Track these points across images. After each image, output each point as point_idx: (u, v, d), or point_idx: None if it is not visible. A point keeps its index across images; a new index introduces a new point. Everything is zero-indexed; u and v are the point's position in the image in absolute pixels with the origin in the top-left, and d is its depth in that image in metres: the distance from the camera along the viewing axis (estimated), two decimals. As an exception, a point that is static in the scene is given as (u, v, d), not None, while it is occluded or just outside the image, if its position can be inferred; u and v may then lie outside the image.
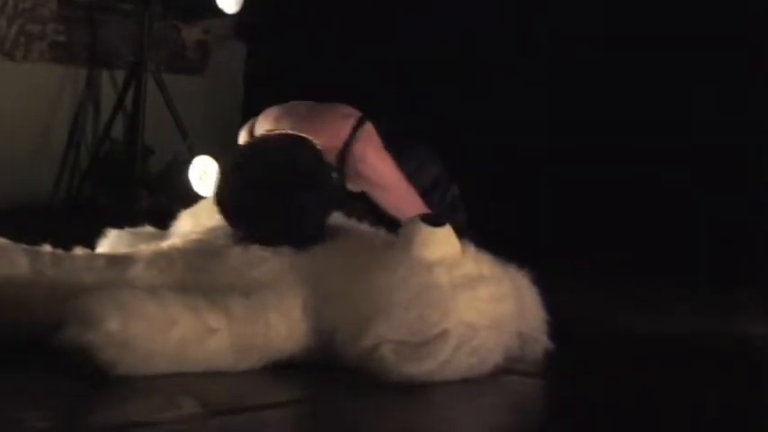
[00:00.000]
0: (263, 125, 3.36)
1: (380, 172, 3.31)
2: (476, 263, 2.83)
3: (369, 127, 3.32)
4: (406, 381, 2.67)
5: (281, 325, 2.76)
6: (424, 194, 3.40)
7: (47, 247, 2.91)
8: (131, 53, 5.51)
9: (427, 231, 2.81)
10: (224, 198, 3.02)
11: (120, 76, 5.58)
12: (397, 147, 3.38)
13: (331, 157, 3.17)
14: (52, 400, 2.46)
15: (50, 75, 5.53)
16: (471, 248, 2.86)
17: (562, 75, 5.07)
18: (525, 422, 2.65)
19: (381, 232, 3.03)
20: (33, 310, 2.76)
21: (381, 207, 3.33)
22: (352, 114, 3.35)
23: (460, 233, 2.89)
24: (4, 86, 5.37)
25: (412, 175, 3.38)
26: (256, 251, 2.89)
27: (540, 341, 2.97)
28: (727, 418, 2.65)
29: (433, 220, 2.84)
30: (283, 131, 3.18)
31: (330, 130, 3.27)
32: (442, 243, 2.81)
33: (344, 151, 3.27)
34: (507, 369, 2.82)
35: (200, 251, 2.94)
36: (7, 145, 5.33)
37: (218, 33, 6.09)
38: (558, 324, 3.01)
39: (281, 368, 2.76)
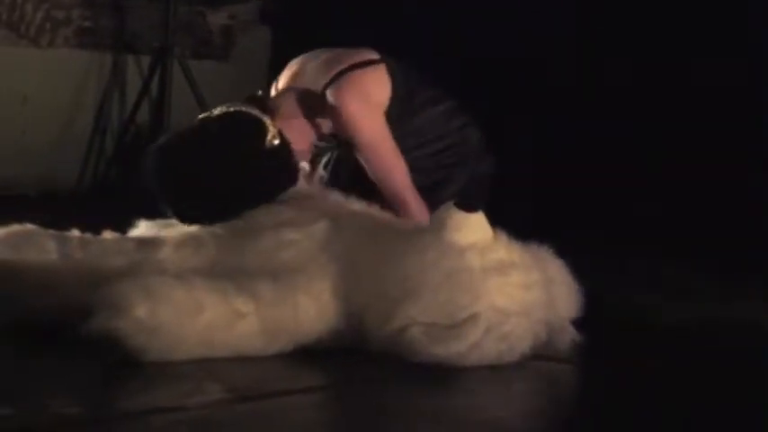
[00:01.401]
0: (280, 80, 3.32)
1: (359, 125, 3.15)
2: (507, 250, 2.82)
3: (358, 73, 3.18)
4: (435, 362, 2.67)
5: (311, 307, 2.76)
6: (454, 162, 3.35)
7: (75, 232, 2.92)
8: (157, 39, 5.51)
9: (460, 216, 2.81)
10: (147, 180, 3.02)
11: (146, 61, 5.59)
12: (431, 99, 3.32)
13: (318, 106, 3.12)
14: (79, 385, 2.46)
15: (76, 61, 5.54)
16: (503, 235, 2.85)
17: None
18: (555, 408, 2.64)
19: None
20: (62, 294, 2.76)
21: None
22: (353, 59, 3.21)
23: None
24: (30, 73, 5.39)
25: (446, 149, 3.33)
26: (288, 233, 2.89)
27: (569, 331, 2.95)
28: (757, 409, 2.63)
29: (467, 206, 2.84)
30: (227, 109, 3.06)
31: (318, 76, 3.18)
32: (474, 228, 2.81)
33: (324, 96, 3.15)
34: (536, 355, 2.81)
35: (231, 233, 2.94)
36: (33, 131, 5.35)
37: (244, 18, 6.08)
38: (587, 310, 2.99)
39: (308, 353, 2.76)
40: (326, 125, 3.24)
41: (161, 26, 5.49)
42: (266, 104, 3.13)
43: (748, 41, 4.70)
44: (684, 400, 2.65)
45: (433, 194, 3.28)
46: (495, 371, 2.72)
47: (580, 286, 2.97)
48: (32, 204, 4.86)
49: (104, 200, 5.28)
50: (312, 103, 3.19)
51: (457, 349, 2.69)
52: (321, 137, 3.27)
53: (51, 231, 2.90)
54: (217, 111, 3.08)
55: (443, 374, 2.67)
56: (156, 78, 5.43)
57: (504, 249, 2.82)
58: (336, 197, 3.12)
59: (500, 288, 2.75)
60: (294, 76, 3.29)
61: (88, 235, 2.93)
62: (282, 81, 3.34)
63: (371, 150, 3.21)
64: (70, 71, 5.52)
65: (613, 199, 4.85)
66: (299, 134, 3.14)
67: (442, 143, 3.36)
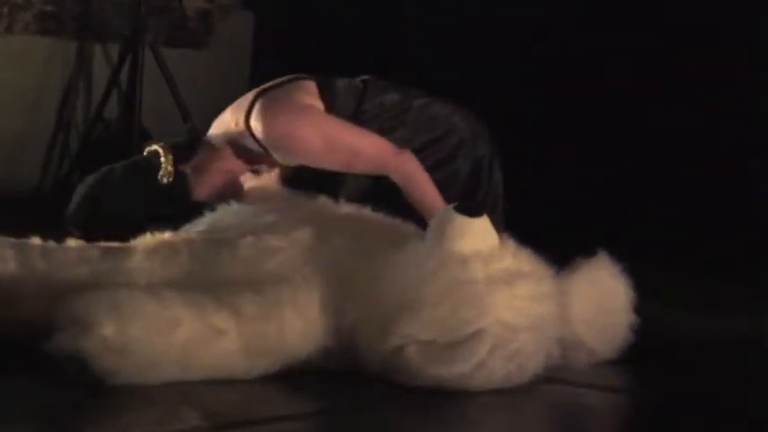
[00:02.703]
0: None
1: (302, 141, 3.23)
2: (515, 258, 2.82)
3: (274, 95, 3.29)
4: (435, 386, 2.67)
5: (297, 322, 2.76)
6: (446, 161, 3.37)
7: (35, 240, 2.92)
8: (127, 25, 5.51)
9: (462, 221, 2.80)
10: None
11: (115, 50, 5.59)
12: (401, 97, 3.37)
13: (252, 146, 3.28)
14: (42, 410, 2.45)
15: (37, 49, 5.54)
16: (510, 242, 2.86)
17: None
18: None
19: (410, 225, 3.03)
20: (22, 308, 2.77)
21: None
22: (266, 85, 3.35)
23: (498, 225, 2.88)
24: (-14, 62, 5.39)
25: (437, 140, 3.36)
26: (270, 240, 2.90)
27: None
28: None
29: (469, 210, 2.83)
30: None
31: (236, 113, 3.34)
32: (478, 234, 2.80)
33: (251, 133, 3.28)
34: (548, 377, 2.81)
35: (207, 241, 2.95)
36: (-10, 127, 5.35)
37: (224, 2, 6.09)
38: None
39: (294, 376, 2.75)
40: (256, 160, 3.37)
41: (131, 10, 5.48)
42: (181, 149, 3.39)
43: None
44: (714, 426, 2.64)
45: (442, 189, 3.28)
46: (502, 395, 2.72)
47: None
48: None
49: (68, 203, 5.27)
50: (234, 145, 3.35)
51: (460, 370, 2.68)
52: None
53: (9, 239, 2.89)
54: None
55: (443, 400, 2.66)
56: (125, 68, 5.43)
57: (510, 257, 2.82)
58: (323, 200, 3.13)
59: (507, 301, 2.74)
60: (217, 123, 3.44)
61: (50, 242, 2.93)
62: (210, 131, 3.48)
63: (329, 153, 3.25)
64: (31, 60, 5.52)
65: (632, 210, 4.92)
66: (206, 176, 3.35)
67: (427, 136, 3.37)
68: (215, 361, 2.68)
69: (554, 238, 3.02)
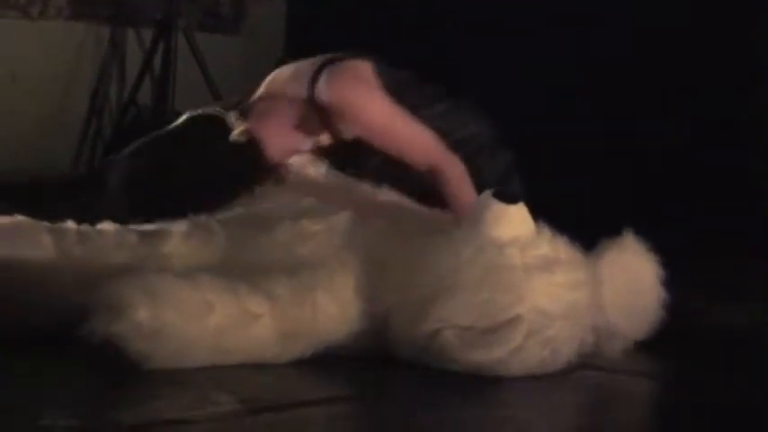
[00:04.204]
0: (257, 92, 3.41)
1: (365, 110, 3.22)
2: (552, 245, 2.83)
3: (342, 66, 3.27)
4: (470, 371, 2.67)
5: (331, 306, 2.77)
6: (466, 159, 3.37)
7: (71, 224, 2.93)
8: (160, 10, 5.53)
9: (499, 208, 2.81)
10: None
11: (148, 35, 5.61)
12: (427, 98, 3.36)
13: (308, 112, 3.19)
14: (76, 394, 2.48)
15: (70, 34, 5.57)
16: (546, 229, 2.86)
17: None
18: (606, 424, 2.62)
19: (447, 213, 3.05)
20: (60, 294, 2.78)
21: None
22: (331, 56, 3.31)
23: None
24: (20, 47, 5.41)
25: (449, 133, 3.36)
26: (307, 225, 2.90)
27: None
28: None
29: (507, 197, 2.83)
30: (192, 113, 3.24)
31: (299, 78, 3.28)
32: (515, 222, 2.81)
33: (312, 99, 3.23)
34: (583, 363, 2.82)
35: (244, 224, 2.96)
36: (23, 112, 5.38)
37: (256, -12, 6.10)
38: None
39: (328, 361, 2.77)
40: (313, 130, 3.29)
41: (165, -5, 5.50)
42: (239, 106, 3.28)
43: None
44: (748, 412, 2.64)
45: None
46: (537, 381, 2.73)
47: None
48: (21, 193, 4.86)
49: (100, 189, 5.29)
50: (294, 110, 3.27)
51: (496, 355, 2.69)
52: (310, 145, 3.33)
53: (46, 224, 2.91)
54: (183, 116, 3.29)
55: (478, 385, 2.67)
56: (158, 54, 5.44)
57: (547, 244, 2.82)
58: (362, 186, 3.14)
59: (544, 288, 2.75)
60: (270, 84, 3.39)
61: (86, 227, 2.94)
62: (259, 90, 3.42)
63: (388, 134, 3.24)
64: (64, 45, 5.55)
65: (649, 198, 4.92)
66: (277, 137, 3.23)
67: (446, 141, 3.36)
68: (248, 345, 2.69)
69: (577, 225, 3.01)
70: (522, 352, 2.71)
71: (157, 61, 5.46)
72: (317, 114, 3.26)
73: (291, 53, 6.02)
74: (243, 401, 2.46)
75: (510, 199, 2.83)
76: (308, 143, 3.30)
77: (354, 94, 3.23)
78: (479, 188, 3.24)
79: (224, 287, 2.69)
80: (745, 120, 4.82)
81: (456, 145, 3.36)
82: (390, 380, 2.71)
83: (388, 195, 3.11)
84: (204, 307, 2.64)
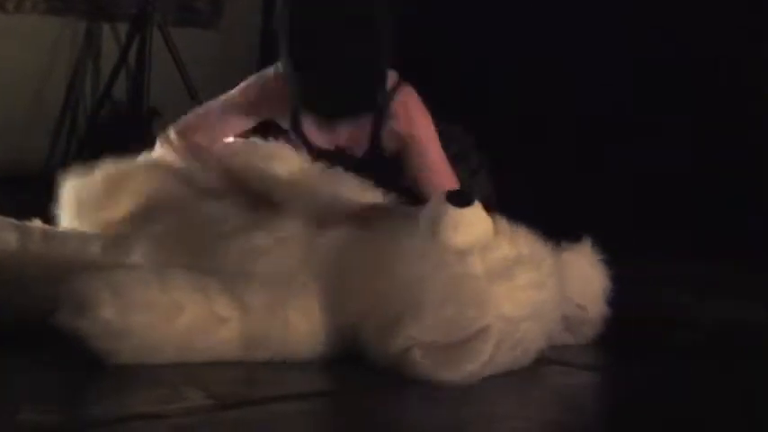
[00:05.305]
0: None
1: (422, 127, 3.19)
2: (512, 243, 2.79)
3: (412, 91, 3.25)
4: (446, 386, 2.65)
5: (302, 324, 2.75)
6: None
7: (37, 223, 2.95)
8: (136, 4, 5.52)
9: (455, 213, 2.75)
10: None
11: (123, 29, 5.60)
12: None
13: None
14: (47, 390, 2.49)
15: (45, 28, 5.56)
16: (505, 225, 2.83)
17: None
18: (573, 418, 2.64)
19: (404, 207, 2.97)
20: (26, 289, 2.79)
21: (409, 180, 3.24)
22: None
23: (489, 208, 2.87)
24: (-6, 41, 5.41)
25: (461, 161, 3.36)
26: (260, 239, 2.84)
27: (588, 322, 2.98)
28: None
29: (460, 199, 2.78)
30: None
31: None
32: (472, 224, 2.76)
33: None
34: (550, 359, 2.84)
35: (197, 235, 2.91)
36: (-3, 106, 5.37)
37: (233, -18, 6.10)
38: (612, 311, 3.06)
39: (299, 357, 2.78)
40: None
41: (140, -10, 5.50)
42: None
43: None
44: (714, 409, 2.68)
45: None
46: (508, 376, 2.74)
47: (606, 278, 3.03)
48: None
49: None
50: None
51: (469, 370, 2.66)
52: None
53: (11, 220, 2.92)
54: None
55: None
56: (134, 48, 5.44)
57: (507, 244, 2.79)
58: (340, 181, 3.05)
59: (508, 293, 2.72)
60: None
61: (52, 227, 2.96)
62: None
63: (433, 148, 3.20)
64: (38, 40, 5.54)
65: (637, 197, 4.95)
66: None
67: None
68: (215, 347, 2.69)
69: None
70: (493, 361, 2.69)
71: (133, 56, 5.46)
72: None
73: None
74: (213, 396, 2.47)
75: (464, 201, 2.77)
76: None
77: (423, 110, 3.20)
78: None
79: (195, 286, 2.68)
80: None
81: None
82: (362, 376, 2.71)
83: (372, 195, 3.02)
84: (173, 307, 2.64)
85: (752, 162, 4.83)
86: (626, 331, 3.13)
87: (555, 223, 2.89)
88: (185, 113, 3.35)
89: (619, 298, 3.10)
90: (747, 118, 4.87)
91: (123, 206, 3.06)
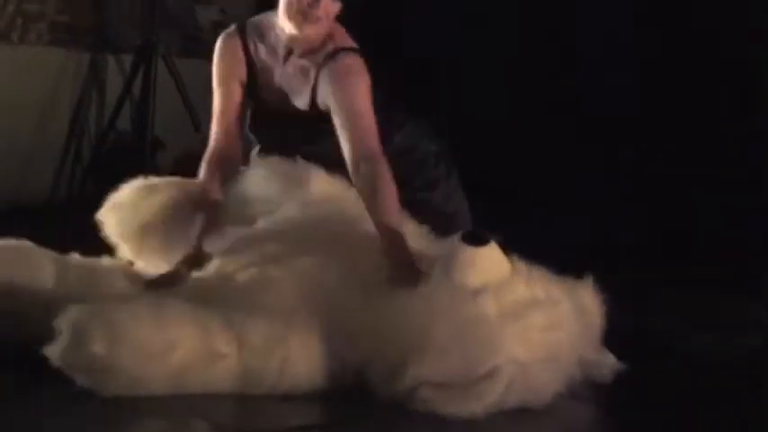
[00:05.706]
0: None
1: (354, 85, 3.25)
2: (527, 285, 2.76)
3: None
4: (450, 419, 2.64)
5: (300, 362, 2.73)
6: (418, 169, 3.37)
7: (75, 256, 3.00)
8: (140, 35, 5.55)
9: (470, 253, 2.73)
10: None
11: (128, 60, 5.62)
12: (389, 119, 3.37)
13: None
14: (46, 419, 2.50)
15: (50, 59, 5.58)
16: (522, 266, 2.79)
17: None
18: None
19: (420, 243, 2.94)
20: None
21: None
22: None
23: (464, 224, 2.83)
24: (-1, 72, 5.43)
25: (405, 151, 3.36)
26: (267, 272, 2.84)
27: (608, 364, 2.98)
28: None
29: (477, 239, 2.75)
30: None
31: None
32: (487, 264, 2.73)
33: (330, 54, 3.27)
34: (570, 395, 2.82)
35: (211, 276, 2.92)
36: (2, 137, 5.38)
37: (236, 13, 6.12)
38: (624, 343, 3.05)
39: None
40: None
41: (144, 22, 5.52)
42: None
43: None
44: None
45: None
46: (522, 411, 2.72)
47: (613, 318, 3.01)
48: (0, 217, 4.88)
49: (80, 214, 5.29)
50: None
51: (475, 409, 2.64)
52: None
53: (51, 252, 2.96)
54: None
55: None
56: (138, 79, 5.45)
57: (522, 285, 2.76)
58: (347, 213, 3.05)
59: (521, 335, 2.69)
60: None
61: (87, 260, 3.00)
62: None
63: (364, 104, 3.24)
64: (44, 71, 5.55)
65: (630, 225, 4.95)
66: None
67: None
68: (210, 381, 2.67)
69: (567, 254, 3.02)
70: (502, 402, 2.67)
71: (137, 86, 5.47)
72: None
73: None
74: (218, 428, 2.47)
75: (480, 241, 2.74)
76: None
77: (362, 67, 3.28)
78: (424, 204, 3.23)
79: (194, 319, 2.67)
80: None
81: (400, 152, 3.35)
82: (363, 407, 2.70)
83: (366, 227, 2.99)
84: (166, 346, 2.62)
85: (752, 162, 4.81)
86: (638, 365, 3.12)
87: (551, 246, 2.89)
88: (189, 144, 3.39)
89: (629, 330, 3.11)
90: (747, 120, 4.86)
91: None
